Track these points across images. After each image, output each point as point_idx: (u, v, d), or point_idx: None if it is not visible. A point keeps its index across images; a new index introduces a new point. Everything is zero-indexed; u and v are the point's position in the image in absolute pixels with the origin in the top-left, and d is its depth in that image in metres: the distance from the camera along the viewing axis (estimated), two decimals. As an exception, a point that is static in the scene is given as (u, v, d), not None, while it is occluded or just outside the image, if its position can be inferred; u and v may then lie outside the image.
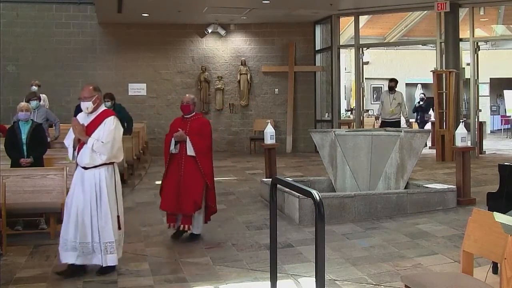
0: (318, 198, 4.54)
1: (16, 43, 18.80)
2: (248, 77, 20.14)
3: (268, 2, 16.50)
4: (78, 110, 7.99)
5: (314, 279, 4.59)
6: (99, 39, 19.52)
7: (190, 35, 19.97)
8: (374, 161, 11.11)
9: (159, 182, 13.67)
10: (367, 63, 23.42)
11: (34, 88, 14.74)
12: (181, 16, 18.32)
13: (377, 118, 18.06)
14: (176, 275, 7.32)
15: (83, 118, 7.36)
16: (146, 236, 9.37)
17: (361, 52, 19.29)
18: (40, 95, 13.50)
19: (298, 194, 9.34)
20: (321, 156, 11.66)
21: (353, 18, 19.24)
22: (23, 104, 10.37)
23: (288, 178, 9.02)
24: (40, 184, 9.46)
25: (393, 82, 16.57)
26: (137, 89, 19.51)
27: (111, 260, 7.22)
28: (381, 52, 26.52)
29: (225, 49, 20.19)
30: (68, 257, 7.18)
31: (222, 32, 19.88)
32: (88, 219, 7.14)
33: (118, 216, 7.28)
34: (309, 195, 4.64)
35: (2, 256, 8.33)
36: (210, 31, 19.82)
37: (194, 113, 9.20)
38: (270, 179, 9.64)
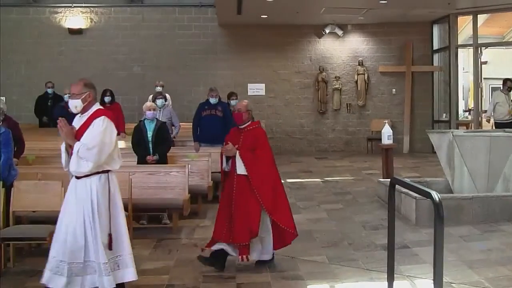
0: (437, 199, 4.49)
1: (142, 45, 19.39)
2: (366, 77, 19.98)
3: (385, 2, 16.32)
4: None
5: (430, 281, 4.55)
6: (220, 40, 19.85)
7: (307, 36, 20.01)
8: (492, 162, 10.80)
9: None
10: (485, 62, 22.73)
11: (159, 88, 15.19)
12: (299, 17, 18.38)
13: (488, 120, 17.32)
14: (292, 273, 7.37)
15: (76, 120, 6.43)
16: (263, 233, 9.46)
17: (479, 52, 18.79)
18: (165, 94, 13.90)
19: (416, 195, 9.21)
20: (438, 157, 11.43)
21: (471, 17, 18.75)
22: (149, 103, 10.72)
23: (405, 179, 8.86)
24: (164, 180, 9.74)
25: (510, 82, 16.01)
26: (256, 89, 19.72)
27: (107, 283, 6.15)
28: (500, 52, 25.70)
29: (342, 50, 20.11)
30: (55, 282, 6.17)
31: (340, 32, 19.80)
32: (82, 236, 6.13)
33: (110, 235, 6.19)
34: (428, 196, 4.59)
35: (128, 248, 8.61)
36: (327, 31, 19.78)
37: (249, 122, 7.85)
38: (387, 179, 9.58)
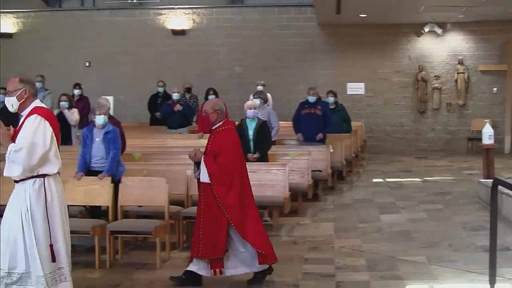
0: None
1: (242, 45, 19.61)
2: (466, 76, 19.55)
3: (486, -1, 15.95)
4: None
5: (534, 285, 4.45)
6: (318, 39, 19.85)
7: (406, 35, 19.75)
8: None
9: (376, 180, 13.84)
10: None
11: (260, 87, 15.36)
12: (398, 16, 18.16)
13: None
14: (391, 272, 7.34)
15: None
16: (363, 232, 9.45)
17: None
18: (267, 94, 14.03)
19: (518, 196, 9.00)
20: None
21: None
22: (250, 102, 10.84)
23: (509, 180, 8.66)
24: (264, 178, 9.83)
25: None
26: (355, 88, 19.63)
27: None
28: None
29: (441, 48, 19.74)
30: None
31: (439, 31, 19.45)
32: (21, 243, 5.54)
33: (51, 245, 5.56)
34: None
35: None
36: (426, 30, 19.46)
37: (220, 123, 7.05)
38: (488, 180, 9.38)
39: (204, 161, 6.81)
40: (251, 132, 10.37)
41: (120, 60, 19.45)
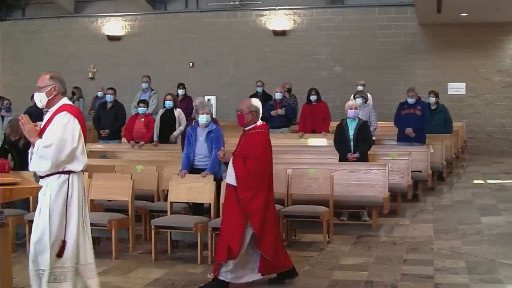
0: None
1: (343, 45, 19.53)
2: None
3: None
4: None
5: None
6: (419, 39, 19.53)
7: (509, 33, 19.15)
8: None
9: (477, 181, 13.55)
10: None
11: (360, 87, 15.33)
12: (500, 14, 17.65)
13: None
14: (492, 276, 7.21)
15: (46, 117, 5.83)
16: (463, 234, 9.30)
17: None
18: (367, 94, 14.00)
19: None
20: None
21: None
22: (351, 102, 10.86)
23: None
24: (364, 178, 9.84)
25: None
26: (456, 88, 19.22)
27: None
28: None
29: (547, 47, 19.12)
30: None
31: (544, 29, 18.84)
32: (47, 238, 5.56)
33: (63, 241, 5.57)
34: None
35: (329, 243, 8.86)
36: (531, 28, 18.90)
37: (254, 125, 6.87)
38: None
39: (232, 163, 6.66)
40: (351, 132, 10.37)
41: (222, 60, 19.71)
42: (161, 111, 13.16)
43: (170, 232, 8.57)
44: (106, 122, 13.55)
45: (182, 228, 8.37)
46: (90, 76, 20.17)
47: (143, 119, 12.87)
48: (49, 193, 5.55)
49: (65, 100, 5.76)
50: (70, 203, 5.60)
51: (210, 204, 8.64)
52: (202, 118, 9.14)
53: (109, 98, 13.74)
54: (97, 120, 13.82)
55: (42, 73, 5.82)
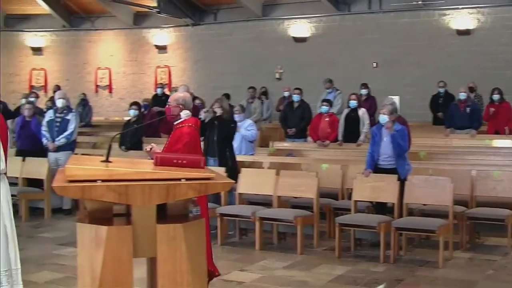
0: None
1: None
2: None
3: None
4: None
5: None
6: None
7: None
8: None
9: None
10: None
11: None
12: None
13: None
14: None
15: None
16: None
17: None
18: None
19: None
20: None
21: None
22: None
23: None
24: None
25: None
26: None
27: None
28: None
29: None
30: None
31: None
32: None
33: None
34: None
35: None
36: None
37: (182, 119, 6.41)
38: None
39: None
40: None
41: (405, 60, 19.38)
42: (345, 111, 13.18)
43: (354, 230, 8.60)
44: (292, 121, 13.80)
45: (365, 227, 8.37)
46: (277, 77, 20.53)
47: (327, 119, 12.95)
48: None
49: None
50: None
51: (393, 203, 8.55)
52: (382, 118, 9.03)
53: (296, 97, 13.98)
54: (283, 119, 14.10)
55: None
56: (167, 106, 6.45)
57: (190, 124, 6.26)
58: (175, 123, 6.35)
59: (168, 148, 6.17)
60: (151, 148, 6.02)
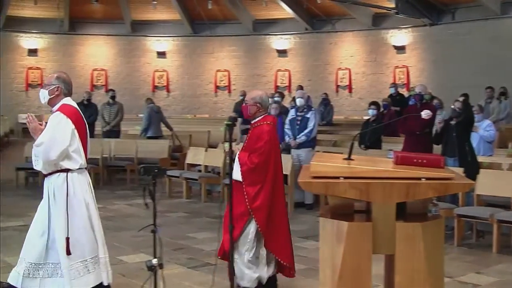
0: None
1: None
2: None
3: None
4: None
5: None
6: None
7: None
8: None
9: None
10: None
11: None
12: None
13: None
14: None
15: None
16: None
17: None
18: None
19: None
20: None
21: None
22: None
23: None
24: None
25: None
26: None
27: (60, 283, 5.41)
28: None
29: None
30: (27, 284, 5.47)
31: None
32: (46, 236, 5.48)
33: (67, 238, 5.38)
34: None
35: None
36: None
37: (259, 117, 6.19)
38: None
39: (238, 157, 6.04)
40: None
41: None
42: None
43: None
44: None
45: None
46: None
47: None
48: (52, 192, 5.52)
49: (66, 100, 5.68)
50: (72, 201, 5.50)
51: None
52: None
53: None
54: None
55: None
56: (243, 104, 6.42)
57: (269, 122, 6.19)
58: (252, 121, 6.29)
59: (249, 146, 6.16)
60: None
